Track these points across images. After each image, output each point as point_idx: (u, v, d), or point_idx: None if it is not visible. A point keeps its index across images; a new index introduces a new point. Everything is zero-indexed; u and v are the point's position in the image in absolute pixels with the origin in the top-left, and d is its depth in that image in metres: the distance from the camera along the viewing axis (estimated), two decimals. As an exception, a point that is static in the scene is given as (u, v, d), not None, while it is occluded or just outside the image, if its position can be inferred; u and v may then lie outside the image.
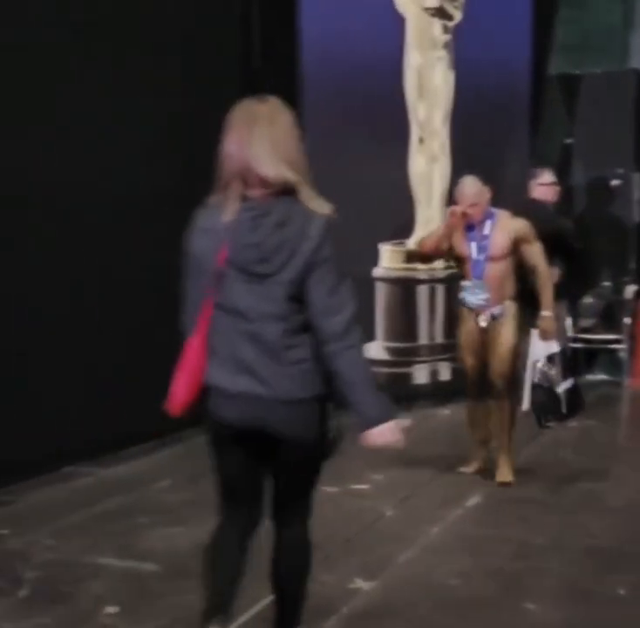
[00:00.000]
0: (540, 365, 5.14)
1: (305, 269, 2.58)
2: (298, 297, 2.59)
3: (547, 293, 5.13)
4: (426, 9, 7.43)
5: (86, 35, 5.36)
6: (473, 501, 4.86)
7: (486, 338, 5.08)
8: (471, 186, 5.16)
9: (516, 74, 8.47)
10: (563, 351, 5.25)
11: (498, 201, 7.85)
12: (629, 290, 8.86)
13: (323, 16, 6.76)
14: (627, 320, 8.59)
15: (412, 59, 7.34)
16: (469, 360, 5.18)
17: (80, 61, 5.35)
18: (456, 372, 7.12)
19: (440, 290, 7.35)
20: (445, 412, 6.87)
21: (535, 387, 5.20)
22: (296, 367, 2.60)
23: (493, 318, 5.06)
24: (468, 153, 7.65)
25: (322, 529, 4.21)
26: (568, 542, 4.25)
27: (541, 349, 5.18)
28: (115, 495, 4.83)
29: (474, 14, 7.81)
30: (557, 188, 7.38)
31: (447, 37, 7.63)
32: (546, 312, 5.12)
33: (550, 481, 5.20)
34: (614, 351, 8.65)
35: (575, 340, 8.44)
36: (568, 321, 7.92)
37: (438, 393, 7.20)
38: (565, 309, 7.36)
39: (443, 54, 7.60)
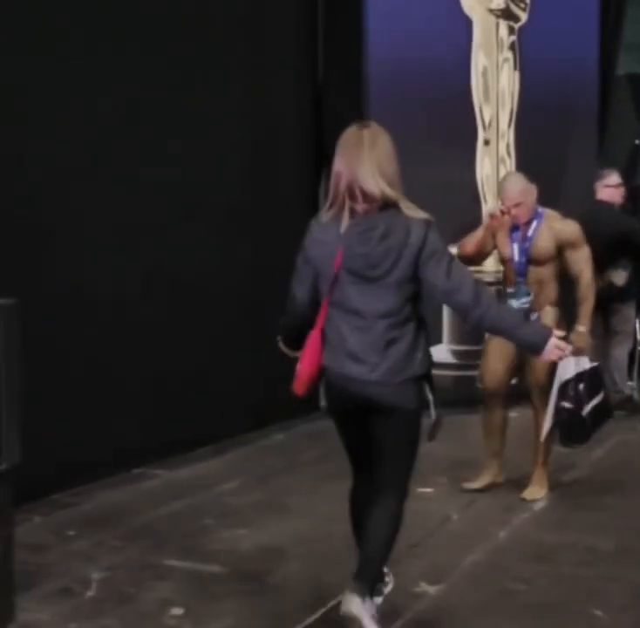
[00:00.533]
0: (568, 386, 4.62)
1: (412, 270, 3.06)
2: (404, 296, 3.08)
3: (587, 306, 4.77)
4: (492, 10, 7.38)
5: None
6: (540, 504, 4.80)
7: None
8: (515, 184, 4.90)
9: (584, 74, 8.36)
10: (594, 369, 4.72)
11: (564, 202, 7.82)
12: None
13: (390, 19, 6.73)
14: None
15: (479, 61, 7.29)
16: (496, 366, 4.85)
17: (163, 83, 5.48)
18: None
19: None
20: (511, 414, 6.78)
21: (560, 408, 4.64)
22: (397, 356, 3.08)
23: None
24: (535, 154, 7.58)
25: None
26: (636, 548, 4.17)
27: (571, 366, 4.59)
28: (181, 497, 4.86)
29: (540, 14, 7.73)
30: (624, 190, 7.28)
31: (513, 38, 7.56)
32: (582, 327, 4.74)
33: (617, 485, 5.11)
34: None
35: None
36: (637, 323, 7.78)
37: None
38: (634, 310, 7.25)
39: (509, 55, 7.54)
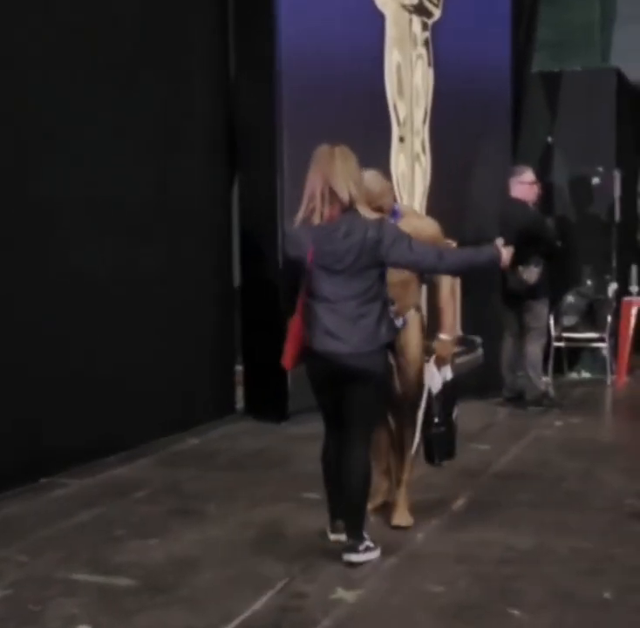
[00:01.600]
0: (435, 399, 4.34)
1: (371, 260, 3.83)
2: (368, 281, 3.85)
3: (447, 313, 4.46)
4: (405, 5, 7.34)
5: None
6: (458, 504, 4.75)
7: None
8: (370, 183, 4.30)
9: (497, 71, 8.38)
10: (454, 381, 4.42)
11: (479, 199, 7.85)
12: (611, 289, 8.80)
13: (300, 14, 6.63)
14: (609, 318, 8.52)
15: (393, 57, 7.24)
16: None
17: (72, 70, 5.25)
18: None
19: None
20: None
21: (429, 422, 4.35)
22: (365, 329, 3.84)
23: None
24: (450, 151, 7.57)
25: (299, 538, 4.18)
26: (553, 545, 4.14)
27: (437, 377, 4.36)
28: (91, 507, 4.69)
29: (453, 11, 7.73)
30: (537, 187, 7.32)
31: (427, 34, 7.54)
32: (444, 335, 4.41)
33: (535, 482, 5.10)
34: (596, 349, 8.58)
35: (558, 339, 8.37)
36: (551, 320, 7.84)
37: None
38: (547, 307, 7.30)
39: (423, 52, 7.51)
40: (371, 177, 4.30)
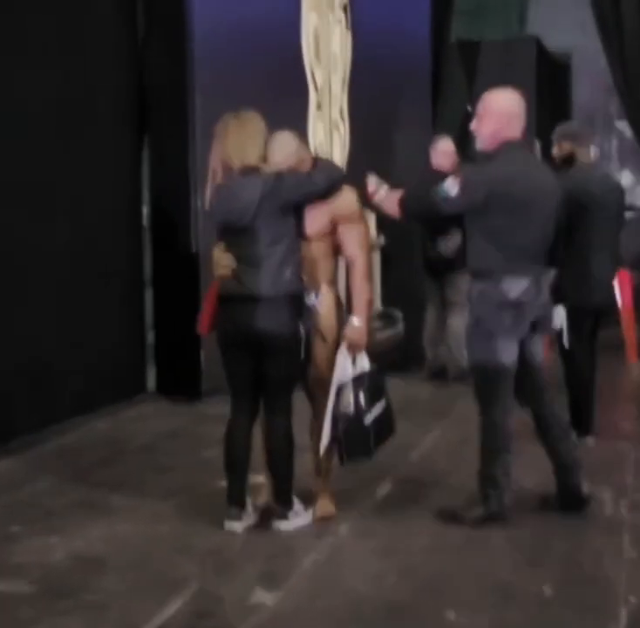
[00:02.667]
0: (346, 390, 3.94)
1: (273, 208, 3.84)
2: (272, 228, 3.84)
3: (362, 294, 4.01)
4: (322, -33, 7.01)
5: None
6: (382, 491, 4.50)
7: None
8: (286, 145, 4.01)
9: (416, 39, 8.16)
10: (375, 371, 4.03)
11: (399, 168, 7.60)
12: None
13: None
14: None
15: (310, 21, 6.92)
16: None
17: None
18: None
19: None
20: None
21: (338, 418, 3.95)
22: (266, 271, 3.82)
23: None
24: (369, 120, 7.31)
25: (214, 533, 3.89)
26: (486, 535, 3.92)
27: (348, 367, 3.96)
28: (-15, 500, 4.33)
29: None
30: (455, 156, 7.08)
31: (345, -3, 7.23)
32: (357, 320, 3.97)
33: (461, 464, 4.87)
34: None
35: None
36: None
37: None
38: (466, 281, 7.06)
39: (341, 16, 7.20)
40: (282, 138, 4.02)
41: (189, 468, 4.88)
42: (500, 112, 4.02)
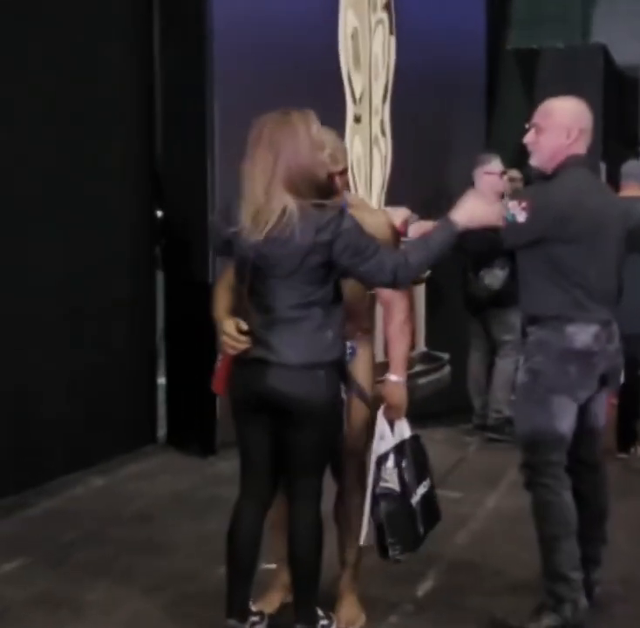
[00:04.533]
0: (388, 462, 3.20)
1: (318, 262, 2.94)
2: (311, 286, 2.93)
3: (400, 345, 3.29)
4: (363, -38, 6.20)
5: None
6: (425, 587, 3.64)
7: None
8: (340, 141, 3.34)
9: (469, 47, 7.28)
10: (415, 438, 3.30)
11: (446, 190, 6.73)
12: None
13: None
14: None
15: (348, 21, 6.10)
16: None
17: None
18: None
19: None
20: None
21: (380, 494, 3.19)
22: (302, 336, 2.93)
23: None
24: (414, 135, 6.46)
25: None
26: None
27: (387, 433, 3.26)
28: None
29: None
30: (506, 178, 6.18)
31: (388, -4, 6.40)
32: (395, 376, 3.27)
33: (522, 546, 3.99)
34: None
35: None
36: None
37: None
38: (518, 316, 6.14)
39: (383, 16, 6.37)
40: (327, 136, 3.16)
41: (189, 547, 4.07)
42: (566, 124, 3.32)
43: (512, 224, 3.18)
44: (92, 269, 5.20)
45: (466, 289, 6.08)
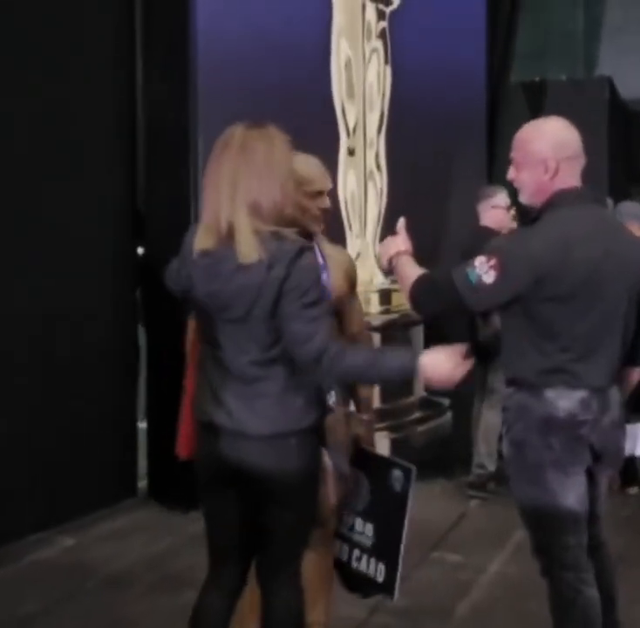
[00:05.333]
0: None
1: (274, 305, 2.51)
2: (272, 334, 2.49)
3: (366, 386, 3.19)
4: (357, -12, 5.92)
5: None
6: None
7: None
8: (318, 166, 3.03)
9: (471, 77, 7.04)
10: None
11: (446, 227, 6.40)
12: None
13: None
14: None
15: (341, 50, 5.80)
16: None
17: None
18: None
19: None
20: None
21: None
22: (264, 400, 2.49)
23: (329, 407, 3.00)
24: (411, 168, 6.14)
25: None
26: None
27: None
28: None
29: (417, 1, 6.34)
30: (513, 213, 5.79)
31: (383, 24, 6.11)
32: (366, 415, 3.18)
33: (530, 620, 3.59)
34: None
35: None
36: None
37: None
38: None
39: (378, 45, 6.08)
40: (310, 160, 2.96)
41: (159, 623, 3.66)
42: (541, 156, 2.80)
43: (477, 286, 2.69)
44: (68, 310, 4.86)
45: (474, 336, 5.60)
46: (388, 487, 3.00)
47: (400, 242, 2.98)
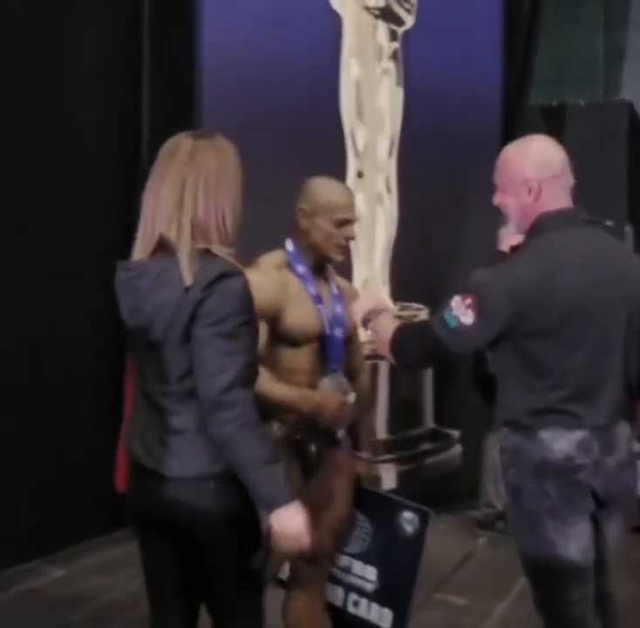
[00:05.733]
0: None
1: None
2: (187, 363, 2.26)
3: (367, 419, 3.19)
4: (369, 8, 5.78)
5: None
6: None
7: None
8: (348, 192, 3.05)
9: (485, 102, 6.86)
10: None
11: (460, 255, 6.23)
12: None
13: (229, 13, 5.02)
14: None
15: (351, 71, 5.66)
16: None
17: None
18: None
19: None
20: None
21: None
22: (180, 439, 2.27)
23: (336, 440, 2.95)
24: (422, 192, 5.98)
25: None
26: None
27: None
28: None
29: (431, 21, 6.18)
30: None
31: (396, 45, 5.97)
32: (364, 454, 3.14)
33: None
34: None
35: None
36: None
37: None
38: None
39: (390, 66, 5.93)
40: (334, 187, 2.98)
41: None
42: (522, 178, 2.64)
43: (457, 329, 2.51)
44: (55, 330, 4.72)
45: (481, 367, 5.38)
46: (395, 529, 2.83)
47: (376, 299, 2.83)
